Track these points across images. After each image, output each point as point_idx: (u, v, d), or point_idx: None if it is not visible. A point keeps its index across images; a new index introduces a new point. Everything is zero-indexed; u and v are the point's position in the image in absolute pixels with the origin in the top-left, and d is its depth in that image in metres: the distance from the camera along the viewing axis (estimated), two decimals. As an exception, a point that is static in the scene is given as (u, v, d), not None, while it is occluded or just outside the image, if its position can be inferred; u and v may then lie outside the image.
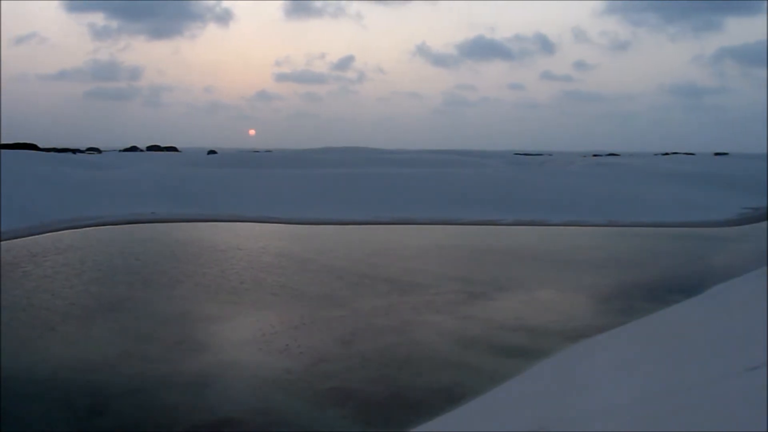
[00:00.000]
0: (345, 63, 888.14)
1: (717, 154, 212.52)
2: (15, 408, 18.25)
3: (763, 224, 63.45)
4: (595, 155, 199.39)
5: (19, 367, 21.45)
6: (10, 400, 18.69)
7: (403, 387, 19.99)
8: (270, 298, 31.70)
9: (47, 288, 33.18)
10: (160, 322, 27.33)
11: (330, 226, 60.23)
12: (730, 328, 14.21)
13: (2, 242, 46.69)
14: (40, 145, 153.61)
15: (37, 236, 50.56)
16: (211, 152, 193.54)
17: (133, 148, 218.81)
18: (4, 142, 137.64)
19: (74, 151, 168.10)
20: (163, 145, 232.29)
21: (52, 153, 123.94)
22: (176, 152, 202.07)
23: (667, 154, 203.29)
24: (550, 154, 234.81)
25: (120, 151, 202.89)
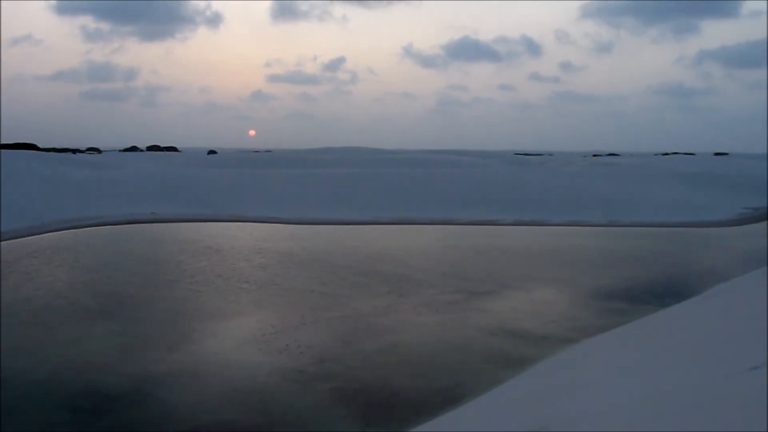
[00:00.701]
0: (336, 64, 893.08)
1: (717, 154, 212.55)
2: (15, 408, 18.26)
3: (763, 224, 63.46)
4: (595, 155, 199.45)
5: (19, 367, 21.45)
6: (10, 400, 18.70)
7: (404, 387, 19.99)
8: (270, 298, 31.69)
9: (47, 288, 33.17)
10: (160, 322, 27.33)
11: (330, 226, 60.24)
12: (730, 328, 14.20)
13: (2, 242, 46.70)
14: (40, 145, 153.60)
15: (37, 236, 50.57)
16: (212, 152, 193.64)
17: (133, 148, 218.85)
18: (3, 142, 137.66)
19: (74, 151, 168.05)
20: (162, 145, 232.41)
21: (52, 153, 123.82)
22: (176, 152, 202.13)
23: (667, 154, 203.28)
24: (551, 154, 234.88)
25: (120, 151, 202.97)
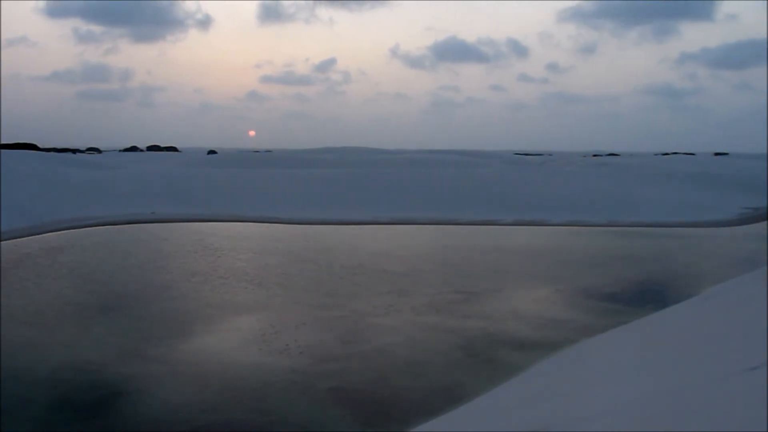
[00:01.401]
0: (327, 65, 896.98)
1: (717, 154, 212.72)
2: (15, 408, 18.27)
3: (763, 224, 63.47)
4: (595, 155, 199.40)
5: (18, 366, 21.46)
6: (9, 401, 18.71)
7: (404, 387, 20.00)
8: (270, 298, 31.70)
9: (47, 288, 33.18)
10: (160, 321, 27.34)
11: (330, 226, 60.24)
12: (729, 328, 14.22)
13: (2, 242, 46.70)
14: (40, 145, 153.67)
15: (37, 236, 50.58)
16: (211, 152, 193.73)
17: (133, 148, 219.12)
18: (3, 142, 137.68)
19: (74, 151, 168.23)
20: (162, 145, 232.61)
21: (52, 153, 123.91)
22: (176, 152, 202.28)
23: (666, 154, 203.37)
24: (550, 154, 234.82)
25: (120, 151, 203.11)
